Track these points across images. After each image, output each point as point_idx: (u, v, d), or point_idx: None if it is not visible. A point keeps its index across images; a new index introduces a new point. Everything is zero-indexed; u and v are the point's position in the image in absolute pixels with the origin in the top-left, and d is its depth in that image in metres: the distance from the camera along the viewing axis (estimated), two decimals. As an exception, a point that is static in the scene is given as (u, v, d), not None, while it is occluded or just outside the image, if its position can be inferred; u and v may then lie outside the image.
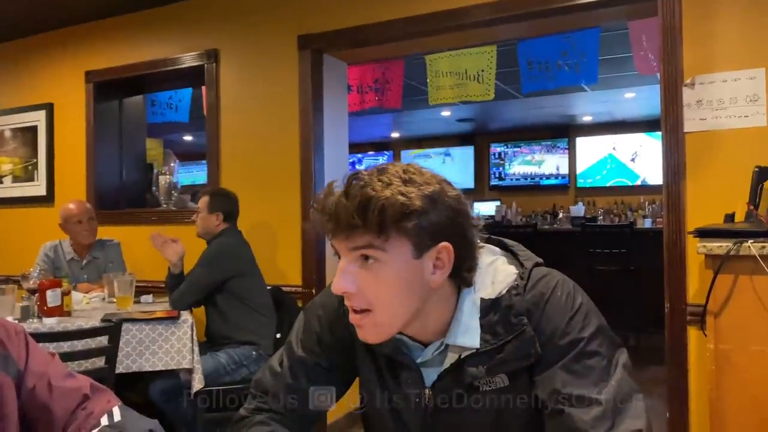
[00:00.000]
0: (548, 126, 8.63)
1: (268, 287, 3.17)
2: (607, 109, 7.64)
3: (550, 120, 8.29)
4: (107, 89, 4.15)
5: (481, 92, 3.94)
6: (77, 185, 4.14)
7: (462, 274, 0.95)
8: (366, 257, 0.90)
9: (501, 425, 0.97)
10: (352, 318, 0.93)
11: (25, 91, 4.44)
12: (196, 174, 8.87)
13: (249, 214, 3.27)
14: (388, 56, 3.86)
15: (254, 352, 2.98)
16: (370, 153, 9.99)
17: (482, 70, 3.83)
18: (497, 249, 1.05)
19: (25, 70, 4.45)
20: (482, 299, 0.96)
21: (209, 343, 3.06)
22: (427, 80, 4.02)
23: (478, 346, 0.95)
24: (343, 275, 0.91)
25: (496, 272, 0.99)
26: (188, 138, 8.94)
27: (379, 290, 0.90)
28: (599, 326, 0.96)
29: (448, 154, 9.39)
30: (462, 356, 0.96)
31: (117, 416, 1.00)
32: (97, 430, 0.96)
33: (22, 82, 4.47)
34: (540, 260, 1.03)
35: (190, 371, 2.75)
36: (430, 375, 0.99)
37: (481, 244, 1.02)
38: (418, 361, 0.99)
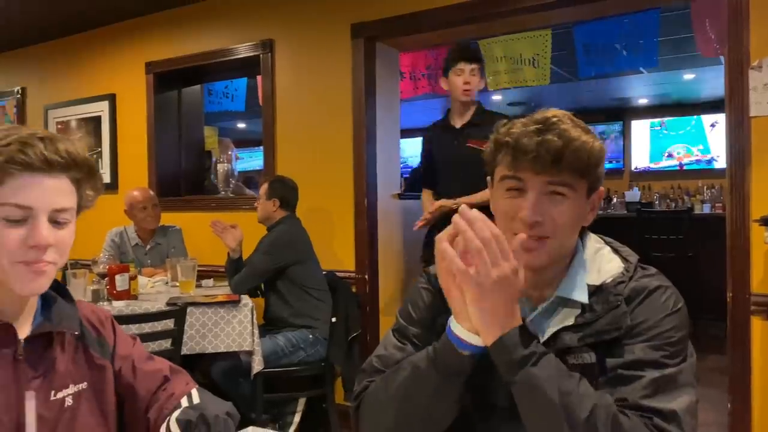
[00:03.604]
0: (602, 109, 8.43)
1: (324, 272, 3.24)
2: (664, 91, 7.41)
3: (605, 103, 8.09)
4: (167, 79, 4.27)
5: (537, 77, 3.90)
6: (140, 173, 4.30)
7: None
8: (558, 192, 0.98)
9: None
10: (529, 243, 0.96)
11: (89, 83, 4.62)
12: (248, 161, 9.04)
13: (304, 200, 3.33)
14: (440, 42, 3.85)
15: (311, 336, 3.06)
16: (419, 137, 9.96)
17: (537, 54, 3.79)
18: (600, 238, 1.10)
19: (88, 63, 4.62)
20: (587, 285, 1.01)
21: (268, 326, 3.15)
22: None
23: (586, 301, 1.00)
24: (536, 207, 0.97)
25: (602, 261, 1.05)
26: (241, 125, 9.11)
27: (561, 222, 0.98)
28: (687, 335, 1.00)
29: (498, 139, 9.25)
30: (561, 327, 1.00)
31: (196, 398, 1.05)
32: (178, 411, 1.01)
33: (86, 74, 4.65)
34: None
35: (250, 353, 2.85)
36: None
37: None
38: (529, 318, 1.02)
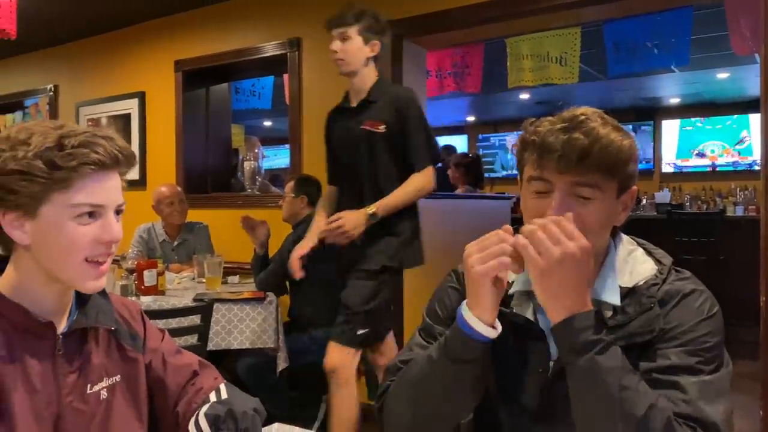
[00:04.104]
0: (632, 108, 8.29)
1: (348, 271, 3.24)
2: (696, 90, 7.26)
3: (634, 102, 7.96)
4: (195, 78, 4.32)
5: (564, 75, 3.85)
6: (168, 169, 4.35)
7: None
8: (584, 196, 0.95)
9: None
10: None
11: (120, 81, 4.69)
12: (273, 159, 9.09)
13: (329, 198, 3.33)
14: (467, 41, 3.82)
15: (335, 335, 3.06)
16: (444, 136, 9.94)
17: (565, 53, 3.74)
18: (632, 240, 1.08)
19: (119, 61, 4.70)
20: (620, 287, 0.99)
21: (292, 324, 3.16)
22: (507, 63, 3.96)
23: (618, 303, 0.98)
24: (561, 209, 0.94)
25: (635, 263, 1.03)
26: (267, 123, 9.17)
27: (588, 223, 0.95)
28: (723, 341, 0.97)
29: (524, 139, 9.17)
30: None
31: (224, 393, 1.06)
32: (207, 405, 1.02)
33: (116, 72, 4.72)
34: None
35: (274, 350, 2.87)
36: (553, 347, 1.00)
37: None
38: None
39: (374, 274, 2.43)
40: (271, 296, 2.94)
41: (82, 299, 1.01)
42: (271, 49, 3.87)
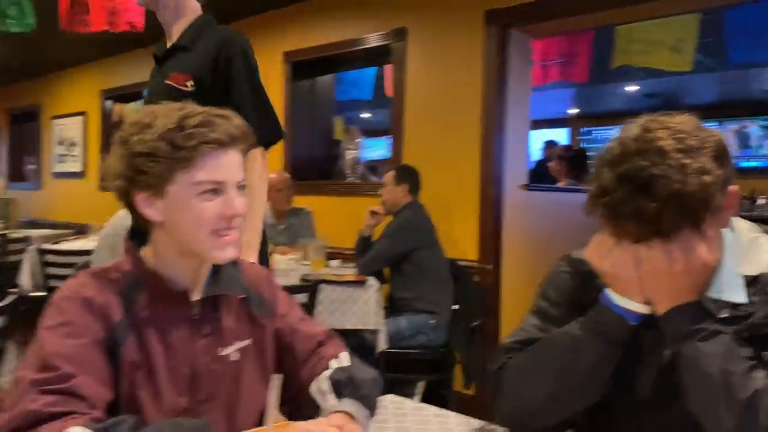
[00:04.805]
0: (747, 101, 7.76)
1: (445, 260, 3.28)
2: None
3: (752, 95, 7.45)
4: (302, 69, 4.47)
5: (676, 63, 3.68)
6: (276, 157, 4.53)
7: None
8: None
9: None
10: None
11: (232, 72, 4.92)
12: (368, 150, 9.23)
13: (427, 188, 3.37)
14: (575, 29, 3.73)
15: (431, 321, 3.11)
16: (545, 129, 9.71)
17: (680, 40, 3.57)
18: (755, 226, 1.04)
19: (232, 53, 4.93)
20: (744, 276, 0.97)
21: (391, 308, 3.24)
22: (615, 46, 3.81)
23: (746, 300, 0.95)
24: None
25: (760, 249, 0.99)
26: (364, 115, 9.33)
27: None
28: None
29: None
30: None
31: (346, 361, 1.11)
32: (329, 371, 1.08)
33: (229, 64, 4.96)
34: None
35: (373, 332, 2.95)
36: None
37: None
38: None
39: None
40: (372, 280, 3.03)
41: (215, 269, 1.08)
42: (375, 39, 3.94)
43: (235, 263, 1.12)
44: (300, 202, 4.01)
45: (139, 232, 1.06)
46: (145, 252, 1.05)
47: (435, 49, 3.68)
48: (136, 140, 0.96)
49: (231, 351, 1.06)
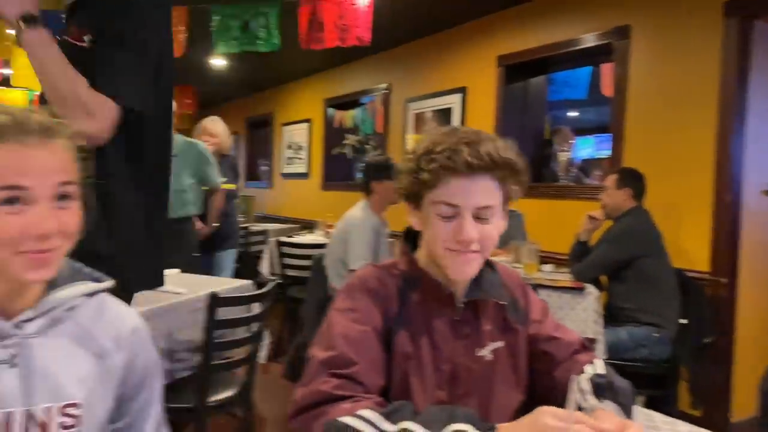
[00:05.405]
0: None
1: (672, 270, 3.07)
2: None
3: None
4: (515, 71, 4.48)
5: None
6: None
7: None
8: None
9: None
10: None
11: (444, 77, 5.10)
12: (578, 149, 8.89)
13: (652, 192, 3.18)
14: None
15: (655, 334, 2.93)
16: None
17: None
18: None
19: (444, 59, 5.11)
20: None
21: (609, 317, 3.11)
22: None
23: None
24: None
25: None
26: (572, 114, 9.00)
27: None
28: None
29: None
30: None
31: (601, 368, 1.11)
32: (588, 375, 1.08)
33: (441, 70, 5.15)
34: None
35: (591, 341, 2.87)
36: None
37: None
38: None
39: None
40: (590, 287, 2.95)
41: (477, 275, 1.14)
42: (592, 39, 3.82)
43: (493, 268, 1.19)
44: (511, 204, 4.01)
45: (413, 235, 1.18)
46: (418, 254, 1.16)
47: (663, 46, 3.46)
48: (405, 159, 1.13)
49: (486, 352, 1.13)
